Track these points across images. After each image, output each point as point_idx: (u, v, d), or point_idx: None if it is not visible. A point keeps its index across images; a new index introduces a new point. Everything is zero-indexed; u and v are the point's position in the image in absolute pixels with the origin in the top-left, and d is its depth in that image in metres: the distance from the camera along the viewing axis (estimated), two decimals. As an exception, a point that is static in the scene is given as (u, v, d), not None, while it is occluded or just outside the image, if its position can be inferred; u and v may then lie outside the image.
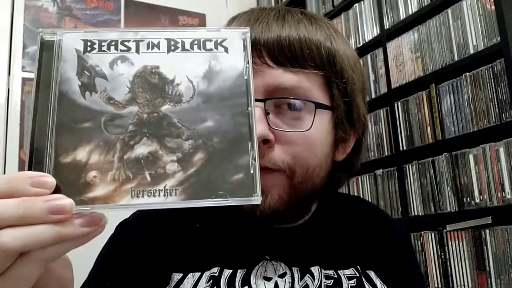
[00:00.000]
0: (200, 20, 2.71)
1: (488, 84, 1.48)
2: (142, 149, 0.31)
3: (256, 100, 0.47)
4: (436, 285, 1.59)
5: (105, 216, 0.29)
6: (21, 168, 2.16)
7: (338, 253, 0.58)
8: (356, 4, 2.09)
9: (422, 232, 1.67)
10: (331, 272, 0.55)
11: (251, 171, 0.31)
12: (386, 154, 1.87)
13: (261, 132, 0.47)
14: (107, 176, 0.30)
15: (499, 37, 1.44)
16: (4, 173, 2.13)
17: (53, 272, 0.32)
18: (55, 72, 0.32)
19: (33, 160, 0.30)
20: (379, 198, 1.89)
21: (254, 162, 0.31)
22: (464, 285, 1.50)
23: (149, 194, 0.30)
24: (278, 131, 0.50)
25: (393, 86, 1.85)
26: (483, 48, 1.50)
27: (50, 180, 0.28)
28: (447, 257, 1.56)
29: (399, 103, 1.81)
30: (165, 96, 0.32)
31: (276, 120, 0.50)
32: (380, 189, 1.89)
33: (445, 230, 1.58)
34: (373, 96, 1.97)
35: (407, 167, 1.75)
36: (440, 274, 1.59)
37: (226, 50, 0.34)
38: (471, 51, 1.54)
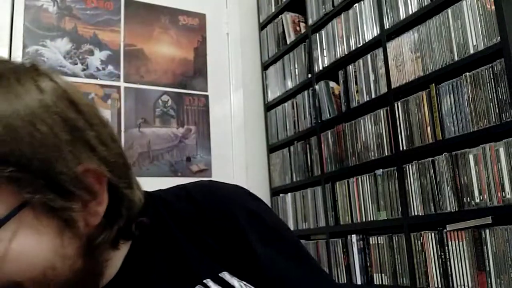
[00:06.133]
0: (200, 20, 2.71)
1: (488, 84, 1.47)
2: None
3: None
4: (436, 285, 1.59)
5: None
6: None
7: (174, 279, 0.50)
8: (356, 4, 2.08)
9: (422, 232, 1.67)
10: None
11: None
12: (386, 154, 1.87)
13: None
14: None
15: (499, 37, 1.44)
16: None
17: None
18: None
19: None
20: (379, 198, 1.89)
21: None
22: (464, 285, 1.50)
23: None
24: None
25: (393, 86, 1.85)
26: (483, 48, 1.49)
27: None
28: (447, 257, 1.56)
29: (399, 103, 1.81)
30: None
31: None
32: (380, 189, 1.89)
33: (445, 230, 1.58)
34: (373, 96, 1.97)
35: (407, 167, 1.75)
36: (440, 274, 1.59)
37: None
38: (471, 51, 1.53)
